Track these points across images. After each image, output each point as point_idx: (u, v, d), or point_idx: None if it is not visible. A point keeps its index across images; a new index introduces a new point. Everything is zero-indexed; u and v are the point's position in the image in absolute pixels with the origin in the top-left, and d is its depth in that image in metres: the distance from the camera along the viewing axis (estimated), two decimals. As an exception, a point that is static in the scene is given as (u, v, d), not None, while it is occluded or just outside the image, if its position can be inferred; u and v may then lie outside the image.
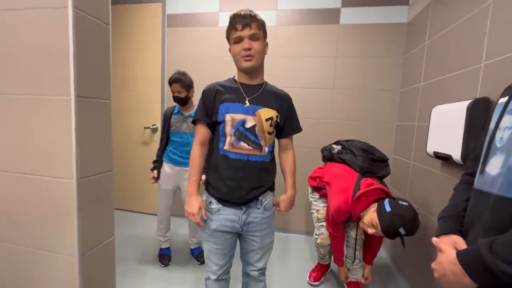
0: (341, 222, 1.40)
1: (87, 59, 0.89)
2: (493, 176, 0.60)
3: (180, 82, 1.66)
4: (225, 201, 1.02)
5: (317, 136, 2.31)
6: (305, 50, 2.30)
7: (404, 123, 2.05)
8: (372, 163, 1.48)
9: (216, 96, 1.00)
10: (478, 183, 0.66)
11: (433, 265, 0.65)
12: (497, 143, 0.61)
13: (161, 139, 1.83)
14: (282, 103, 1.06)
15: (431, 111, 1.47)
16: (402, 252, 1.85)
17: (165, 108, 1.96)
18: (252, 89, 1.02)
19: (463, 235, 0.66)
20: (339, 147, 1.59)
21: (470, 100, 1.14)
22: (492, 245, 0.50)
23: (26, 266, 0.98)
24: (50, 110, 0.88)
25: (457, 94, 1.36)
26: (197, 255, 1.91)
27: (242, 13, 0.94)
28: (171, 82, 1.68)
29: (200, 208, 1.00)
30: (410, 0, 2.08)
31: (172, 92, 1.68)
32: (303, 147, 2.30)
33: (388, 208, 1.20)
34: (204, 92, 1.04)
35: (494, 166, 0.60)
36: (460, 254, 0.57)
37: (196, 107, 1.72)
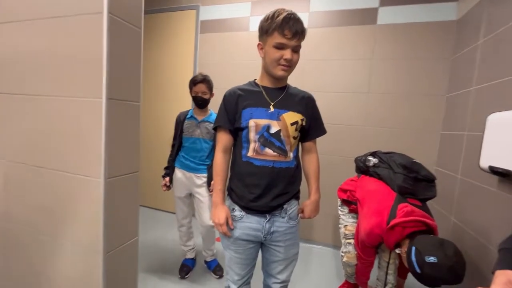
0: (372, 246, 1.26)
1: (119, 62, 0.92)
2: None
3: (207, 83, 1.64)
4: (248, 209, 0.98)
5: (350, 144, 2.16)
6: (338, 52, 2.19)
7: (451, 132, 1.82)
8: (414, 183, 1.29)
9: (238, 101, 0.97)
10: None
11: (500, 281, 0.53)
12: None
13: (173, 145, 1.76)
14: (307, 105, 1.01)
15: (486, 119, 1.28)
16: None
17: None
18: (276, 93, 0.97)
19: None
20: (376, 159, 1.45)
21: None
22: None
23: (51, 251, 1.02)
24: (83, 111, 0.92)
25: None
26: (214, 269, 1.81)
27: (293, 18, 0.87)
28: (197, 82, 1.62)
29: (227, 218, 0.97)
30: (460, -4, 1.87)
31: (196, 92, 1.63)
32: (335, 155, 2.16)
33: (416, 268, 1.02)
34: (225, 97, 1.00)
35: None
36: None
37: (210, 112, 1.72)
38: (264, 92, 0.97)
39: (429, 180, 1.33)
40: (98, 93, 0.88)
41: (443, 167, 1.89)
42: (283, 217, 1.00)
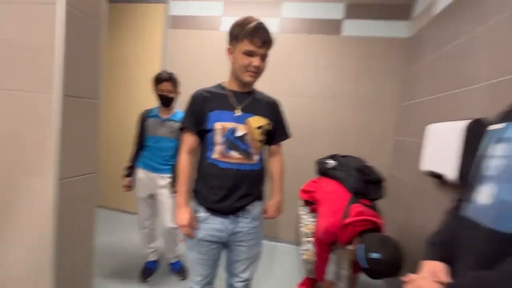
0: (328, 243, 1.36)
1: (74, 56, 0.87)
2: (483, 205, 0.57)
3: (172, 81, 1.61)
4: (213, 210, 1.00)
5: (314, 147, 2.28)
6: (306, 59, 2.29)
7: (402, 138, 2.02)
8: (366, 184, 1.42)
9: (205, 103, 0.98)
10: (468, 211, 0.63)
11: (407, 282, 0.62)
12: (487, 171, 0.58)
13: (134, 144, 1.71)
14: (273, 110, 1.07)
15: (425, 129, 1.45)
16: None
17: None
18: (243, 97, 1.01)
19: (450, 262, 0.64)
20: (334, 162, 1.55)
21: (467, 120, 1.11)
22: (480, 283, 0.48)
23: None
24: (34, 107, 0.86)
25: (455, 113, 1.33)
26: (178, 270, 1.79)
27: (263, 27, 0.92)
28: (162, 80, 1.58)
29: (190, 220, 0.97)
30: (412, 15, 2.07)
31: (161, 90, 1.58)
32: (300, 158, 2.26)
33: (364, 264, 1.13)
34: (192, 99, 1.02)
35: (484, 195, 0.57)
36: None
37: (176, 111, 1.69)
38: (231, 96, 0.99)
39: (379, 182, 1.47)
40: (49, 88, 0.83)
41: (396, 169, 2.08)
42: (246, 218, 1.03)
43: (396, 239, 1.20)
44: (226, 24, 2.41)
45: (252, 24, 0.90)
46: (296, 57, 2.30)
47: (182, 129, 1.04)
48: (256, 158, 1.01)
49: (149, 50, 2.59)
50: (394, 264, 1.10)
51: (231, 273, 1.13)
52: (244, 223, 1.03)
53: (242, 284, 1.11)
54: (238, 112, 0.97)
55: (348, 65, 2.23)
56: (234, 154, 0.97)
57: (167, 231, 1.68)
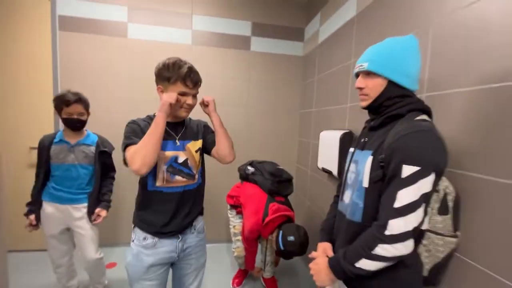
0: (254, 239, 1.62)
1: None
2: (346, 203, 0.89)
3: (83, 103, 1.46)
4: (161, 233, 1.05)
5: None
6: (219, 70, 2.45)
7: (304, 139, 2.48)
8: (278, 184, 1.74)
9: (144, 132, 0.98)
10: (339, 206, 0.95)
11: (311, 265, 0.90)
12: (348, 180, 0.90)
13: (37, 175, 1.49)
14: (204, 131, 1.17)
15: (319, 135, 1.88)
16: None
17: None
18: (178, 127, 1.09)
19: (333, 241, 0.95)
20: (252, 169, 1.81)
21: (343, 131, 1.54)
22: (345, 254, 0.77)
23: None
24: None
25: (336, 124, 1.79)
26: None
27: (194, 70, 1.02)
28: (71, 102, 1.40)
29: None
30: (305, 38, 2.53)
31: (70, 114, 1.41)
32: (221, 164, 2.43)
33: (281, 246, 1.45)
34: (134, 122, 1.03)
35: (346, 197, 0.89)
36: (329, 261, 0.82)
37: (87, 133, 1.55)
38: (168, 127, 1.04)
39: (289, 180, 1.82)
40: None
41: (301, 164, 2.55)
42: (192, 233, 1.13)
43: (305, 216, 1.56)
44: (133, 31, 2.28)
45: (184, 69, 0.98)
46: (208, 68, 2.41)
47: (126, 146, 0.97)
48: (197, 176, 1.11)
49: (36, 53, 2.15)
50: (302, 245, 1.45)
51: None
52: (191, 239, 1.12)
53: None
54: (177, 142, 1.05)
55: (256, 77, 2.53)
56: (179, 178, 1.04)
57: (91, 263, 1.55)
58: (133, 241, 1.08)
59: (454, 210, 0.86)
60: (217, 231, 2.56)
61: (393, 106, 0.78)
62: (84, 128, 1.55)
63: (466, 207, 0.87)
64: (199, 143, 1.12)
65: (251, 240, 1.62)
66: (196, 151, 1.10)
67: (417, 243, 0.84)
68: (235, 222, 1.84)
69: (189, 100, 1.03)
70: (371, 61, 0.79)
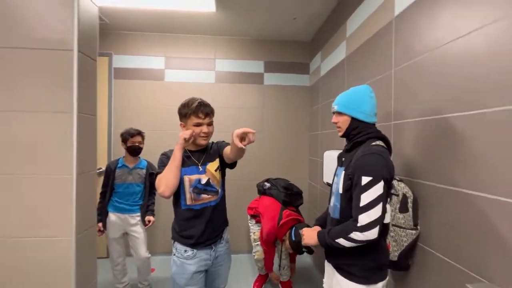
0: (271, 241, 1.94)
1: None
2: (331, 206, 1.21)
3: (142, 136, 1.98)
4: (198, 245, 1.24)
5: (252, 170, 2.87)
6: (238, 102, 2.91)
7: (314, 158, 2.81)
8: (290, 197, 2.09)
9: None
10: (328, 208, 1.27)
11: (304, 230, 1.21)
12: (333, 189, 1.23)
13: (103, 192, 1.96)
14: (218, 149, 1.34)
15: (323, 154, 2.21)
16: (320, 259, 2.50)
17: (110, 159, 2.07)
18: (200, 154, 1.30)
19: (323, 227, 1.26)
20: (268, 184, 2.18)
21: (340, 151, 1.86)
22: (329, 231, 1.08)
23: None
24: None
25: (337, 145, 2.12)
26: None
27: (203, 103, 1.22)
28: (135, 134, 1.92)
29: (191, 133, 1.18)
30: (310, 71, 2.94)
31: (133, 142, 1.92)
32: (243, 180, 2.82)
33: (293, 237, 1.75)
34: (165, 154, 1.28)
35: (331, 201, 1.22)
36: (318, 232, 1.13)
37: (141, 159, 2.01)
38: (193, 156, 1.29)
39: (299, 194, 2.16)
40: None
41: (311, 181, 2.85)
42: (221, 243, 1.33)
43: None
44: (170, 75, 2.84)
45: (195, 104, 1.20)
46: (228, 100, 2.88)
47: (156, 175, 1.21)
48: (220, 190, 1.29)
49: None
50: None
51: None
52: (221, 248, 1.32)
53: None
54: (200, 167, 1.27)
55: (270, 106, 2.96)
56: (205, 196, 1.24)
57: (142, 261, 1.96)
58: (174, 254, 1.27)
59: (413, 209, 1.15)
60: (240, 243, 2.88)
61: (357, 135, 1.12)
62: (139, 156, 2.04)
63: (422, 206, 1.15)
64: (216, 162, 1.29)
65: (269, 242, 1.94)
66: (216, 170, 1.27)
67: (385, 235, 1.13)
68: (255, 229, 2.18)
69: (204, 129, 1.21)
70: (339, 104, 1.15)
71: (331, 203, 1.22)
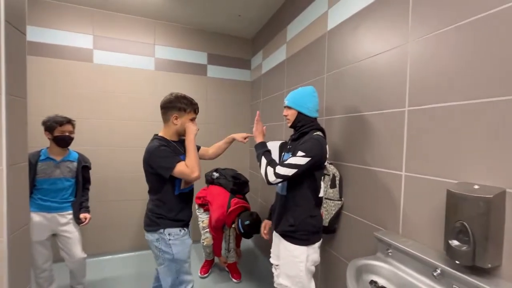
0: (220, 228, 2.07)
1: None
2: (279, 185, 1.43)
3: (73, 124, 1.75)
4: (187, 225, 1.46)
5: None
6: (181, 92, 2.85)
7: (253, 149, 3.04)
8: (238, 185, 2.24)
9: (173, 150, 1.35)
10: (276, 188, 1.49)
11: (263, 224, 1.43)
12: (281, 172, 1.46)
13: None
14: None
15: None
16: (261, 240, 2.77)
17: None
18: (181, 143, 1.46)
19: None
20: (217, 174, 2.27)
21: (280, 141, 2.13)
22: (266, 154, 1.28)
23: None
24: None
25: (277, 136, 2.39)
26: None
27: (195, 101, 1.46)
28: (64, 123, 1.69)
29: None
30: (251, 67, 3.14)
31: (62, 132, 1.69)
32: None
33: (241, 230, 1.95)
34: (164, 146, 1.33)
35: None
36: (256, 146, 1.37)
37: (70, 151, 1.80)
38: (177, 145, 1.42)
39: (246, 183, 2.34)
40: None
41: (252, 170, 3.09)
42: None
43: (258, 210, 2.08)
44: (99, 57, 2.54)
45: (193, 102, 1.45)
46: (172, 90, 2.76)
47: (173, 167, 1.27)
48: None
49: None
50: (256, 225, 1.96)
51: None
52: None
53: None
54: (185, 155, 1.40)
55: (212, 97, 3.02)
56: None
57: (78, 262, 1.77)
58: (170, 240, 1.34)
59: (339, 185, 1.49)
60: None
61: (303, 127, 1.36)
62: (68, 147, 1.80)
63: (345, 183, 1.51)
64: None
65: (218, 228, 2.06)
66: None
67: (320, 205, 1.43)
68: (203, 218, 2.26)
69: (195, 123, 1.45)
70: (289, 100, 1.37)
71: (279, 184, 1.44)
